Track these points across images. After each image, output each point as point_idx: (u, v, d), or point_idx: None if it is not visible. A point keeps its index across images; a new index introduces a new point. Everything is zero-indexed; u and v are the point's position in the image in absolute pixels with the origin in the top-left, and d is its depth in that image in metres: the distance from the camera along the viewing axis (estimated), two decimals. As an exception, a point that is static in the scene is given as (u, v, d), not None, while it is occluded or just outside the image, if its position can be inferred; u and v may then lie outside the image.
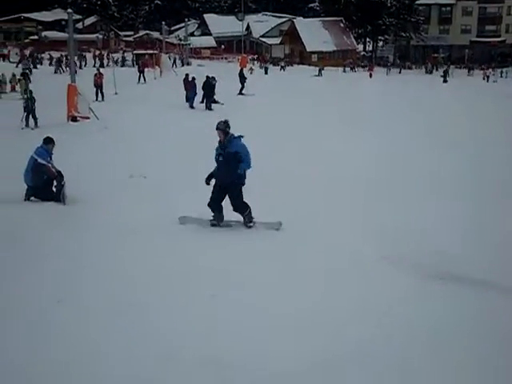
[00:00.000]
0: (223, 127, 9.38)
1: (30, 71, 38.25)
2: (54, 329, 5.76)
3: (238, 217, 9.66)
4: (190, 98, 29.23)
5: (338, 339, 5.73)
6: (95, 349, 5.41)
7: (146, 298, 6.52)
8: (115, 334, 5.68)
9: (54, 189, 11.39)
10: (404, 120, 24.78)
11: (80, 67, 51.69)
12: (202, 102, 29.12)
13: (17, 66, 50.34)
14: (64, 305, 6.28)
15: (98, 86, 30.94)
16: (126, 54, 69.23)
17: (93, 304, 6.31)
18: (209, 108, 28.38)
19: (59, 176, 11.32)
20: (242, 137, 9.48)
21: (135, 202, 10.85)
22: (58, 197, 11.23)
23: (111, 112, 23.96)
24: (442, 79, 56.15)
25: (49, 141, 11.65)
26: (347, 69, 68.01)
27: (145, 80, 42.14)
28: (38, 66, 55.21)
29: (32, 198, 11.38)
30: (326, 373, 5.16)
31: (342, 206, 11.05)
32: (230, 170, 9.25)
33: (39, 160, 11.20)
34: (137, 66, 46.65)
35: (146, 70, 44.43)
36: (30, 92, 23.29)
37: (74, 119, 23.40)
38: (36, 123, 22.37)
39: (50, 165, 11.33)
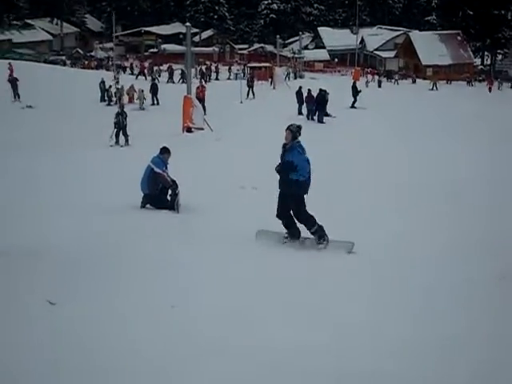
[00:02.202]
0: (294, 129, 8.94)
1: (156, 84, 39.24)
2: (165, 331, 5.89)
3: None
4: (310, 111, 29.49)
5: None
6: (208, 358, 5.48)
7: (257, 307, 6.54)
8: (230, 342, 5.72)
9: (169, 197, 11.78)
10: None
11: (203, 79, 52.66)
12: (315, 114, 29.23)
13: (136, 78, 52.47)
14: (178, 310, 6.38)
15: (201, 100, 29.19)
16: (237, 67, 70.37)
17: (206, 310, 6.39)
18: (321, 121, 28.46)
19: (174, 185, 11.67)
20: (305, 153, 8.95)
21: (244, 213, 10.94)
22: (172, 205, 11.60)
23: (224, 124, 24.40)
24: None
25: (165, 151, 12.03)
26: (463, 83, 65.98)
27: (254, 95, 40.78)
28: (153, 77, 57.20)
29: (148, 205, 11.82)
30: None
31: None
32: (285, 178, 8.87)
33: (155, 169, 11.59)
34: (246, 81, 44.16)
35: (259, 82, 44.90)
36: (122, 106, 23.64)
37: (189, 130, 24.04)
38: (127, 140, 22.38)
39: (165, 174, 11.70)
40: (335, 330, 5.97)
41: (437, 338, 5.89)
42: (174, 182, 11.70)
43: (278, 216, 9.13)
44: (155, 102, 36.85)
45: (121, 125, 22.23)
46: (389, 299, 6.94)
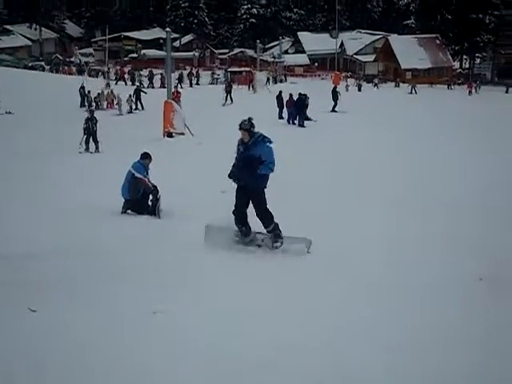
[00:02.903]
0: (247, 126, 8.68)
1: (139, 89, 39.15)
2: (150, 339, 5.86)
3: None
4: (290, 115, 29.60)
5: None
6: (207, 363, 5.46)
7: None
8: (219, 345, 5.72)
9: (150, 202, 11.76)
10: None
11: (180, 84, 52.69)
12: (295, 118, 29.34)
13: (116, 84, 52.38)
14: (159, 316, 6.34)
15: None
16: (217, 72, 70.31)
17: (190, 316, 6.35)
18: (301, 125, 28.57)
19: (155, 190, 11.67)
20: (271, 142, 8.81)
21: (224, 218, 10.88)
22: (153, 210, 11.59)
23: (205, 128, 24.39)
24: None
25: (145, 156, 12.02)
26: (443, 86, 66.34)
27: (232, 100, 40.22)
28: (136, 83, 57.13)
29: (129, 210, 11.80)
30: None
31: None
32: (251, 172, 8.60)
33: (136, 174, 11.59)
34: (224, 86, 43.91)
35: (239, 87, 44.94)
36: (91, 112, 22.87)
37: (170, 135, 24.01)
38: (97, 147, 21.64)
39: (146, 179, 11.69)
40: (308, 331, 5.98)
41: (426, 340, 5.93)
42: (154, 187, 11.69)
43: (234, 213, 8.94)
44: (139, 106, 36.78)
45: (91, 131, 21.55)
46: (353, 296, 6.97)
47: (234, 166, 8.99)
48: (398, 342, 5.79)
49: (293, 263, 8.40)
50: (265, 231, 9.05)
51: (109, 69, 71.00)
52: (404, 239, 9.83)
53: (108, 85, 47.49)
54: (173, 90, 32.88)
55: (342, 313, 6.52)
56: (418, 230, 10.38)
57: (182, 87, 48.70)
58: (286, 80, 65.98)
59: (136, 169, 11.67)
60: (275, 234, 8.88)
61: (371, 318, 6.40)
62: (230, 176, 8.93)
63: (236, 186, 8.94)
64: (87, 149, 21.44)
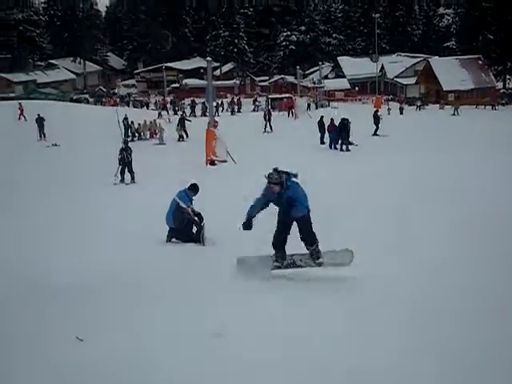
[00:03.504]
0: (276, 181, 8.48)
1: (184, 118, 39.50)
2: (206, 362, 5.85)
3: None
4: (332, 140, 29.54)
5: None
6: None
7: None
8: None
9: (194, 230, 11.80)
10: None
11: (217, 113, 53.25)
12: (337, 143, 29.24)
13: (159, 115, 53.15)
14: (221, 338, 6.39)
15: None
16: (259, 99, 70.61)
17: (245, 340, 6.39)
18: (345, 149, 28.47)
19: (199, 218, 11.75)
20: (296, 176, 8.68)
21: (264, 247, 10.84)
22: (197, 238, 11.62)
23: (247, 155, 24.41)
24: None
25: (193, 188, 12.11)
26: (488, 107, 65.38)
27: (271, 129, 39.67)
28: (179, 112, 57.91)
29: (173, 239, 11.85)
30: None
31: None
32: (295, 207, 8.48)
33: (181, 204, 11.70)
34: (263, 113, 43.10)
35: (280, 113, 44.98)
36: (125, 142, 22.18)
37: (213, 163, 24.11)
38: (133, 178, 21.20)
39: (189, 209, 11.77)
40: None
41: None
42: (198, 214, 11.78)
43: (274, 244, 8.90)
44: (184, 135, 36.97)
45: (125, 161, 21.12)
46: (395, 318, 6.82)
47: (249, 215, 8.92)
48: (470, 363, 5.68)
49: (341, 285, 8.37)
50: (300, 252, 8.99)
51: (148, 100, 72.27)
52: (460, 261, 9.61)
53: (160, 115, 48.33)
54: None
55: (402, 336, 6.44)
56: (477, 253, 10.11)
57: (218, 115, 49.04)
58: (328, 105, 65.97)
59: (181, 198, 11.78)
60: (317, 250, 8.82)
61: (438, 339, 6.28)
62: (245, 226, 8.93)
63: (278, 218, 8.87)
64: (122, 180, 21.03)
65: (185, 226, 11.77)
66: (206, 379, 5.58)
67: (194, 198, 12.02)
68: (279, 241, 8.88)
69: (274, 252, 8.99)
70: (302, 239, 8.77)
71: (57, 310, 7.48)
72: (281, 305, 7.57)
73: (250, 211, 8.90)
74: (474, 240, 11.05)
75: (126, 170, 21.07)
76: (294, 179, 8.67)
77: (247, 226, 8.90)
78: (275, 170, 8.56)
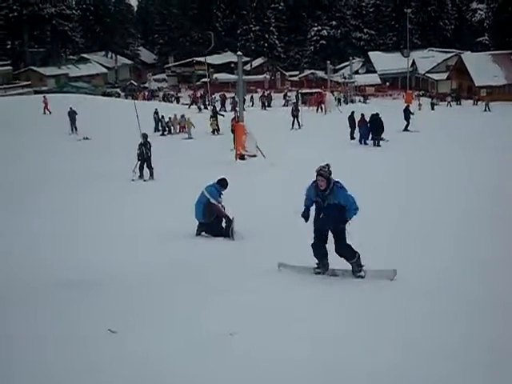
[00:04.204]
0: (327, 174, 8.30)
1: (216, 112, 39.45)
2: (226, 360, 5.91)
3: (344, 265, 8.83)
4: (362, 135, 29.41)
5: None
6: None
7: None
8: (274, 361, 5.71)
9: (224, 224, 11.89)
10: None
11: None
12: (367, 138, 29.12)
13: (189, 107, 53.40)
14: (236, 338, 6.38)
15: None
16: (289, 94, 70.26)
17: (264, 339, 6.37)
18: (377, 144, 28.35)
19: (227, 216, 11.88)
20: (347, 191, 8.46)
21: (297, 240, 10.81)
22: (227, 232, 11.71)
23: (276, 150, 24.42)
24: None
25: (223, 184, 12.22)
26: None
27: (299, 125, 38.30)
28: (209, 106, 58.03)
29: (203, 233, 11.96)
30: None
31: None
32: (334, 218, 8.40)
33: (212, 200, 11.80)
34: (291, 109, 41.28)
35: (310, 108, 44.72)
36: (144, 136, 21.07)
37: (242, 157, 24.14)
38: (151, 174, 20.50)
39: (220, 205, 11.86)
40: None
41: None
42: (227, 216, 11.90)
43: (314, 246, 8.77)
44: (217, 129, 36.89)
45: (144, 156, 20.39)
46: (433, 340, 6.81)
47: (306, 207, 8.79)
48: None
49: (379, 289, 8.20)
50: (342, 268, 8.90)
51: (178, 94, 72.50)
52: (496, 262, 9.50)
53: (199, 108, 49.38)
54: (233, 114, 32.67)
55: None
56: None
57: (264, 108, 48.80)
58: (365, 102, 65.10)
59: (211, 193, 11.87)
60: (358, 263, 8.67)
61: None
62: (303, 215, 8.77)
63: (314, 226, 8.72)
64: (141, 176, 20.32)
65: (214, 220, 11.86)
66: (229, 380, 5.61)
67: (223, 192, 12.10)
68: (320, 254, 8.78)
69: (316, 261, 8.92)
70: (337, 253, 8.62)
71: (90, 305, 7.63)
72: (306, 305, 7.59)
73: (306, 203, 8.81)
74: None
75: (145, 165, 20.44)
76: (346, 191, 8.48)
77: (304, 215, 8.75)
78: (327, 164, 8.43)
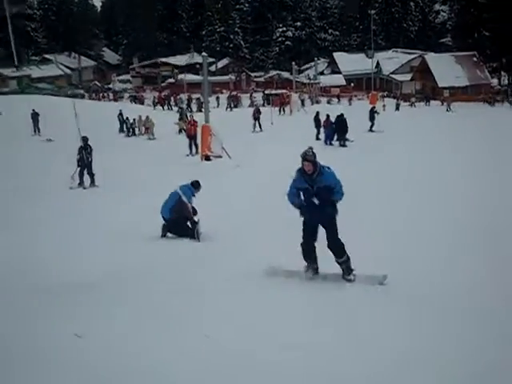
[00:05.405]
0: (312, 157, 8.05)
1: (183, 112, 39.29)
2: (203, 363, 5.83)
3: (335, 270, 8.49)
4: (327, 136, 29.49)
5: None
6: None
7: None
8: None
9: (190, 225, 11.76)
10: None
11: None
12: (332, 139, 29.23)
13: (154, 109, 53.15)
14: (210, 340, 6.33)
15: (192, 137, 27.17)
16: (254, 95, 70.28)
17: (234, 339, 6.34)
18: (343, 145, 28.47)
19: (194, 213, 11.77)
20: (329, 168, 8.27)
21: (264, 242, 10.73)
22: (193, 233, 11.59)
23: (241, 151, 24.36)
24: None
25: (197, 185, 12.15)
26: (479, 103, 65.33)
27: (260, 127, 37.10)
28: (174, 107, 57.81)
29: (169, 234, 11.81)
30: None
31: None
32: (324, 206, 8.15)
33: (183, 198, 11.70)
34: (252, 112, 39.55)
35: (275, 108, 44.86)
36: (84, 139, 19.30)
37: (208, 158, 24.07)
38: (92, 181, 18.93)
39: (190, 205, 11.74)
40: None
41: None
42: (193, 209, 11.77)
43: (303, 244, 8.41)
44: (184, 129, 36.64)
45: (85, 161, 18.79)
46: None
47: (301, 204, 8.36)
48: None
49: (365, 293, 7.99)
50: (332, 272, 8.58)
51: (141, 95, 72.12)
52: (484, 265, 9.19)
53: (182, 111, 47.50)
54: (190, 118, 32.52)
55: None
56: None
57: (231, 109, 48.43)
58: (339, 101, 65.26)
59: (185, 193, 11.79)
60: (347, 266, 8.40)
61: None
62: (301, 213, 8.37)
63: (304, 219, 8.38)
64: (81, 183, 18.75)
65: (180, 218, 11.72)
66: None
67: (196, 195, 11.97)
68: (308, 251, 8.43)
69: (305, 264, 8.56)
70: (329, 247, 8.31)
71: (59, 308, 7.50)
72: (283, 307, 7.51)
73: (292, 200, 8.38)
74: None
75: (86, 172, 18.87)
76: (329, 169, 8.25)
77: (302, 212, 8.36)
78: (310, 147, 8.20)
